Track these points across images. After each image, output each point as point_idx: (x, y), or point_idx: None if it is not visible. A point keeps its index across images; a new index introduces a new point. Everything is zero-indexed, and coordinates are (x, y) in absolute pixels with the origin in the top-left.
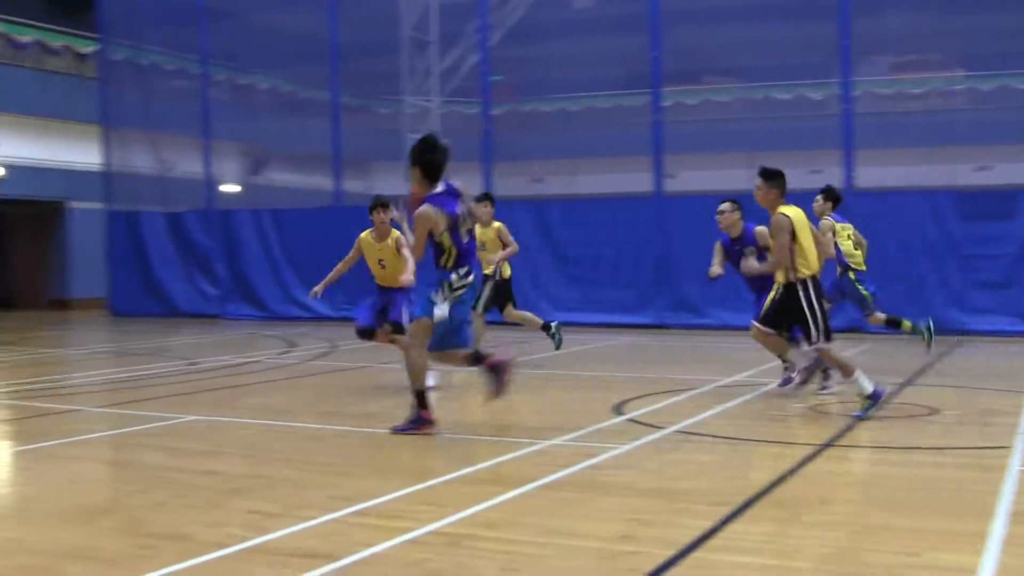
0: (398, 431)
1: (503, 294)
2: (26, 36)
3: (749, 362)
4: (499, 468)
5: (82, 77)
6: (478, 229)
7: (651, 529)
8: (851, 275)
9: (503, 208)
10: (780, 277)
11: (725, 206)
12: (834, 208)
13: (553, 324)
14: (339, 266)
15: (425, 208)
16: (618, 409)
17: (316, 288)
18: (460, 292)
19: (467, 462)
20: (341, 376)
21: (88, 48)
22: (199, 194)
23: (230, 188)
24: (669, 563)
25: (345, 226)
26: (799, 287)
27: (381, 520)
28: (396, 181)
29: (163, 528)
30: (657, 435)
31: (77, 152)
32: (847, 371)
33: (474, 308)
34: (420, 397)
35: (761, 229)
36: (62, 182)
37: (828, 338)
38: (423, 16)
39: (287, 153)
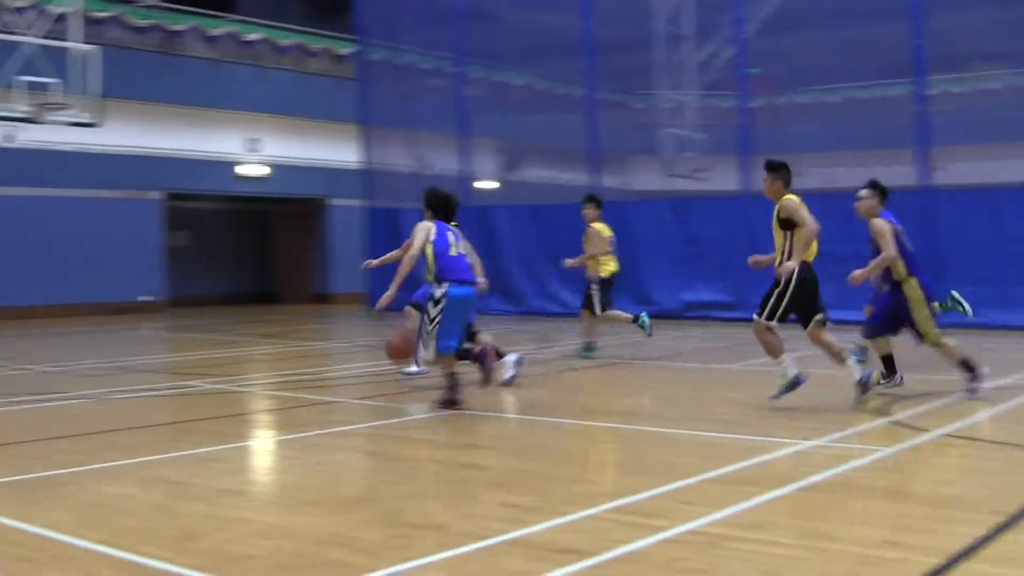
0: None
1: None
2: (287, 40)
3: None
4: (755, 468)
5: (341, 78)
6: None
7: (917, 536)
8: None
9: (759, 203)
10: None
11: (863, 192)
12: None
13: (641, 315)
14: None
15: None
16: (881, 411)
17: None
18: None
19: (722, 461)
20: (597, 372)
21: (346, 49)
22: (455, 190)
23: (486, 184)
24: (937, 572)
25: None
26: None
27: (637, 517)
28: (652, 176)
29: (419, 519)
30: (923, 438)
31: (337, 151)
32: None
33: (585, 307)
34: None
35: (875, 222)
36: (323, 180)
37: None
38: (677, 9)
39: (542, 149)
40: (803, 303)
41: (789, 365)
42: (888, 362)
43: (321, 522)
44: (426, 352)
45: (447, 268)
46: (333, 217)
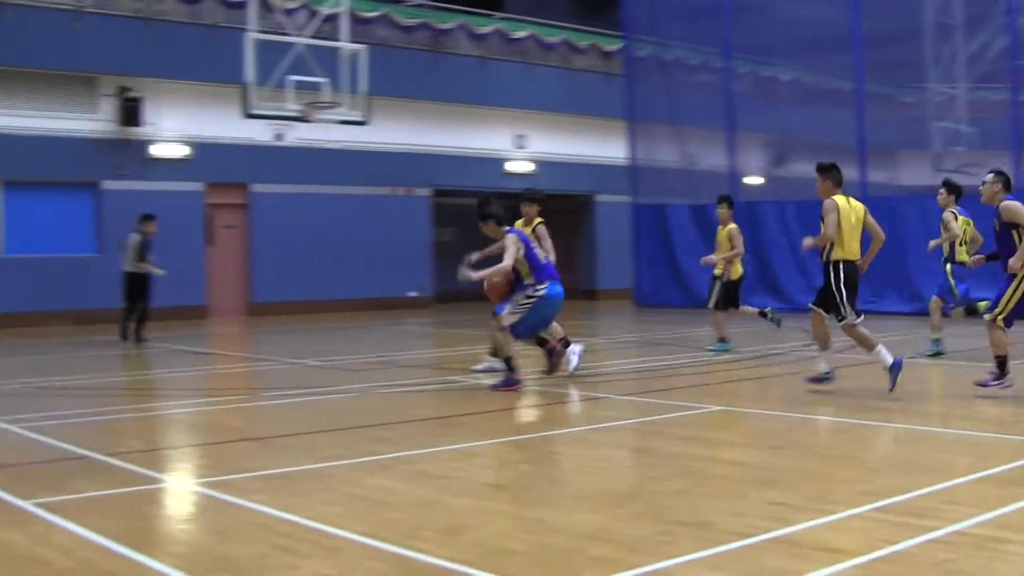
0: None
1: (732, 293)
2: (554, 37)
3: None
4: None
5: (608, 74)
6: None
7: None
8: (948, 267)
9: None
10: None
11: (988, 176)
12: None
13: (768, 310)
14: None
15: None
16: None
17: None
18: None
19: (992, 461)
20: (867, 369)
21: (613, 46)
22: (723, 186)
23: (754, 180)
24: None
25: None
26: (831, 268)
27: (905, 517)
28: (922, 171)
29: (684, 516)
30: None
31: (603, 147)
32: (868, 345)
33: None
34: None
35: (1007, 204)
36: (589, 176)
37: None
38: (947, 0)
39: (810, 144)
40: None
41: (884, 354)
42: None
43: (585, 517)
44: (502, 320)
45: (541, 270)
46: (600, 213)
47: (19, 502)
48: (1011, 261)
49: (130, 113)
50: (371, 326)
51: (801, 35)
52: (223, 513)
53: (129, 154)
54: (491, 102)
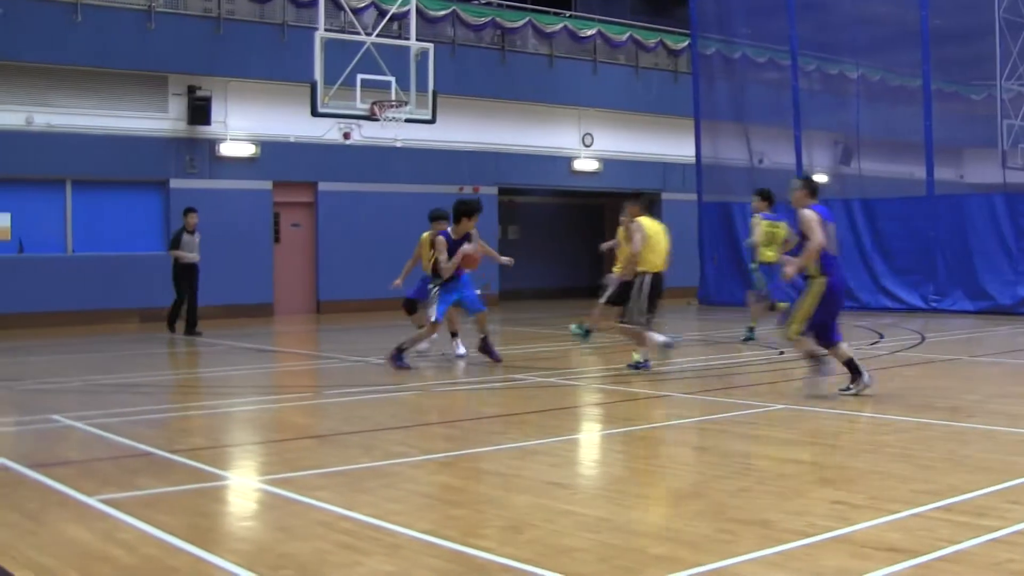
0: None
1: None
2: (621, 35)
3: None
4: None
5: (675, 72)
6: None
7: None
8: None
9: None
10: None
11: (795, 182)
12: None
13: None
14: None
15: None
16: None
17: None
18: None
19: None
20: (930, 368)
21: (680, 44)
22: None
23: (820, 178)
24: None
25: (936, 215)
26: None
27: (966, 517)
28: (988, 168)
29: (745, 514)
30: None
31: (669, 145)
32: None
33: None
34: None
35: (802, 213)
36: (656, 174)
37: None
38: None
39: (877, 141)
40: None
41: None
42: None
43: (647, 516)
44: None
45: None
46: (666, 211)
47: (85, 498)
48: (785, 269)
49: (199, 112)
50: None
51: (868, 32)
52: (285, 510)
53: (198, 153)
54: (558, 100)
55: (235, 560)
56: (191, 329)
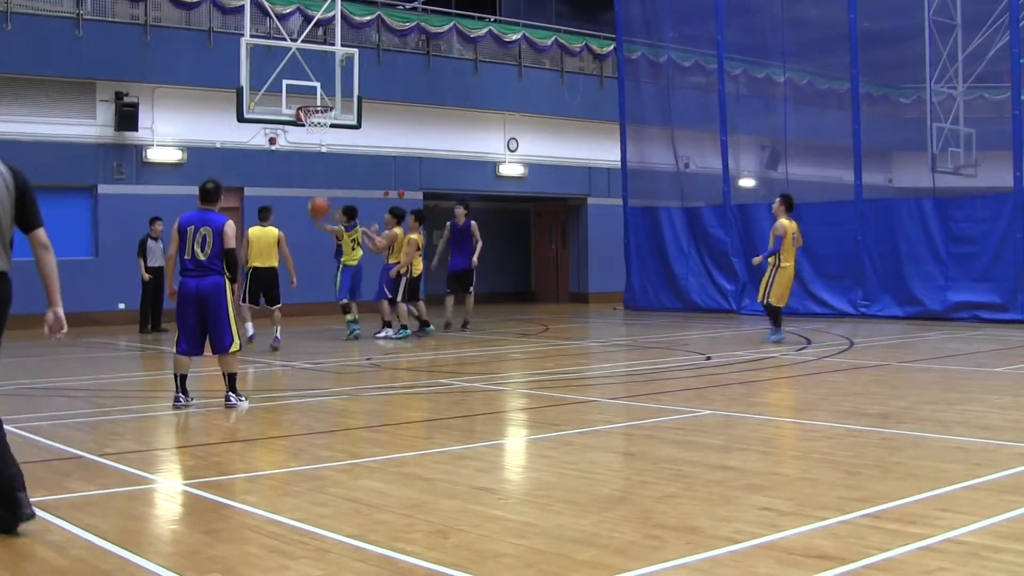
0: None
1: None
2: (547, 39)
3: None
4: (1021, 477)
5: (600, 76)
6: None
7: None
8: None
9: None
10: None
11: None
12: None
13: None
14: None
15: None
16: None
17: None
18: None
19: (987, 469)
20: (858, 374)
21: (606, 48)
22: (716, 189)
23: (747, 182)
24: None
25: (865, 219)
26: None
27: (896, 524)
28: (920, 172)
29: (673, 520)
30: None
31: (596, 149)
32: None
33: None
34: None
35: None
36: (582, 179)
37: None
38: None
39: (805, 145)
40: None
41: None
42: None
43: (574, 521)
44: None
45: None
46: (591, 216)
47: None
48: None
49: (126, 118)
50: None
51: (796, 35)
52: (214, 514)
53: (126, 158)
54: (484, 105)
55: (164, 563)
56: (157, 326)
